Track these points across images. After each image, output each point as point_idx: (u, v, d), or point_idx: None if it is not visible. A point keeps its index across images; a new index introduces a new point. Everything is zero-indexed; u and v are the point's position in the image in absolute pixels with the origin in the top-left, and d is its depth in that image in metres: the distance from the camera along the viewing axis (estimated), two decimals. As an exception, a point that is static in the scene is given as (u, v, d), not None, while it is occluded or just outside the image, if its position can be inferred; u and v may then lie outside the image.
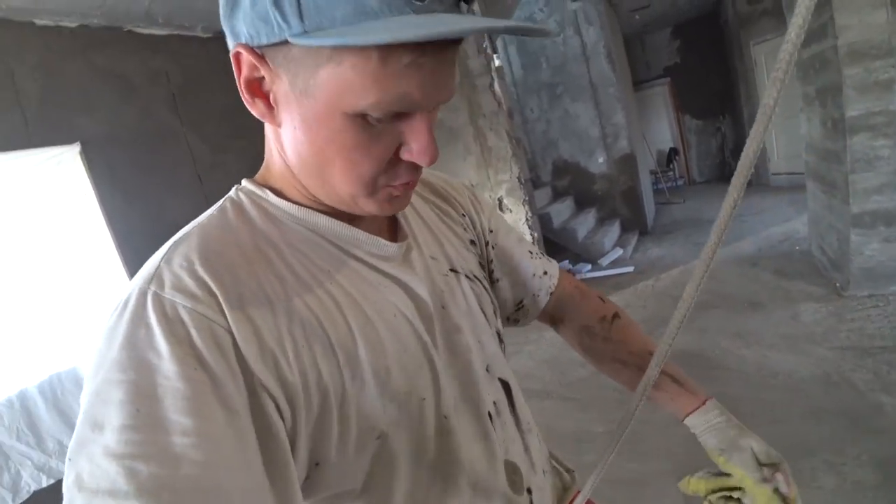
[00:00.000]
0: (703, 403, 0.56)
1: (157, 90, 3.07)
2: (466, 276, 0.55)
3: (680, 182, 7.85)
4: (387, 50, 0.33)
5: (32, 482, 2.24)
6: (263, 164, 0.48)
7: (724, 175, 7.47)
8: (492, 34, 0.28)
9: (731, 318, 2.81)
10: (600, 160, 5.10)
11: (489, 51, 3.21)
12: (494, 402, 0.53)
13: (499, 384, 0.55)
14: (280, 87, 0.38)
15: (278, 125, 0.41)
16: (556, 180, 5.41)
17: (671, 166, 7.77)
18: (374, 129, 0.37)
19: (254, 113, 0.40)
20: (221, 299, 0.36)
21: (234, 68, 0.38)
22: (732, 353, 2.46)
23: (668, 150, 7.81)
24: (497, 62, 3.26)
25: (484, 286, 0.58)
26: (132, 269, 2.79)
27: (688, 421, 0.56)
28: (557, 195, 5.30)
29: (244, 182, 0.47)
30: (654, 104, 7.84)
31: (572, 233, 4.50)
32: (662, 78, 7.60)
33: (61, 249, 2.56)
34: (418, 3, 0.32)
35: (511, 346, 3.53)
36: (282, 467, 0.35)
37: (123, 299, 0.36)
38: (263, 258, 0.41)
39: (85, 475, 0.29)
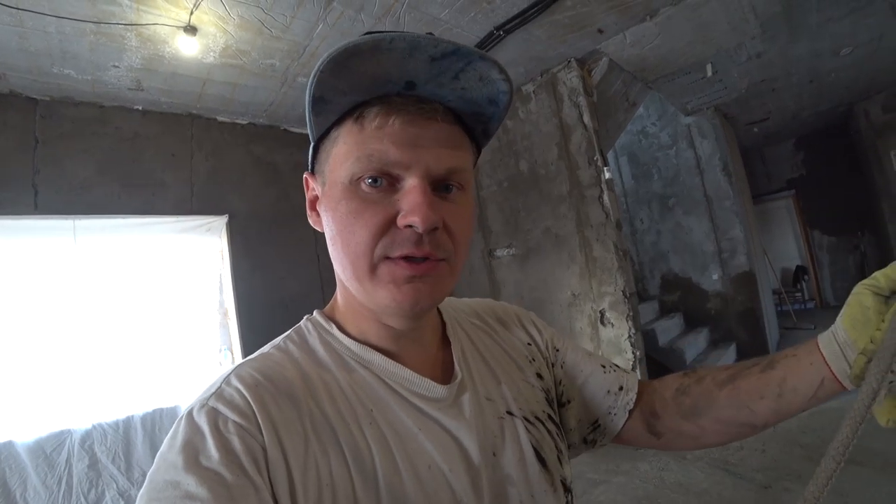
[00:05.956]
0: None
1: (297, 177, 3.53)
2: (525, 419, 0.52)
3: (810, 304, 6.92)
4: (361, 116, 0.40)
5: (111, 504, 2.34)
6: (334, 294, 0.52)
7: (866, 303, 6.41)
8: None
9: (882, 483, 2.07)
10: (714, 277, 4.69)
11: (599, 163, 3.25)
12: None
13: None
14: (320, 192, 0.45)
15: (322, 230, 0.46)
16: (664, 295, 5.04)
17: (799, 287, 6.92)
18: (370, 197, 0.40)
19: (315, 227, 0.47)
20: (260, 420, 0.39)
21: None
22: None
23: (794, 268, 7.03)
24: (607, 175, 3.26)
25: (547, 428, 0.54)
26: (244, 326, 3.09)
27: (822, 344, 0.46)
28: (665, 311, 4.91)
29: (315, 313, 0.51)
30: (777, 218, 7.22)
31: (679, 353, 4.04)
32: (786, 191, 7.03)
33: (194, 299, 3.00)
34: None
35: (599, 474, 3.11)
36: None
37: (188, 408, 0.40)
38: (310, 393, 0.43)
39: None
